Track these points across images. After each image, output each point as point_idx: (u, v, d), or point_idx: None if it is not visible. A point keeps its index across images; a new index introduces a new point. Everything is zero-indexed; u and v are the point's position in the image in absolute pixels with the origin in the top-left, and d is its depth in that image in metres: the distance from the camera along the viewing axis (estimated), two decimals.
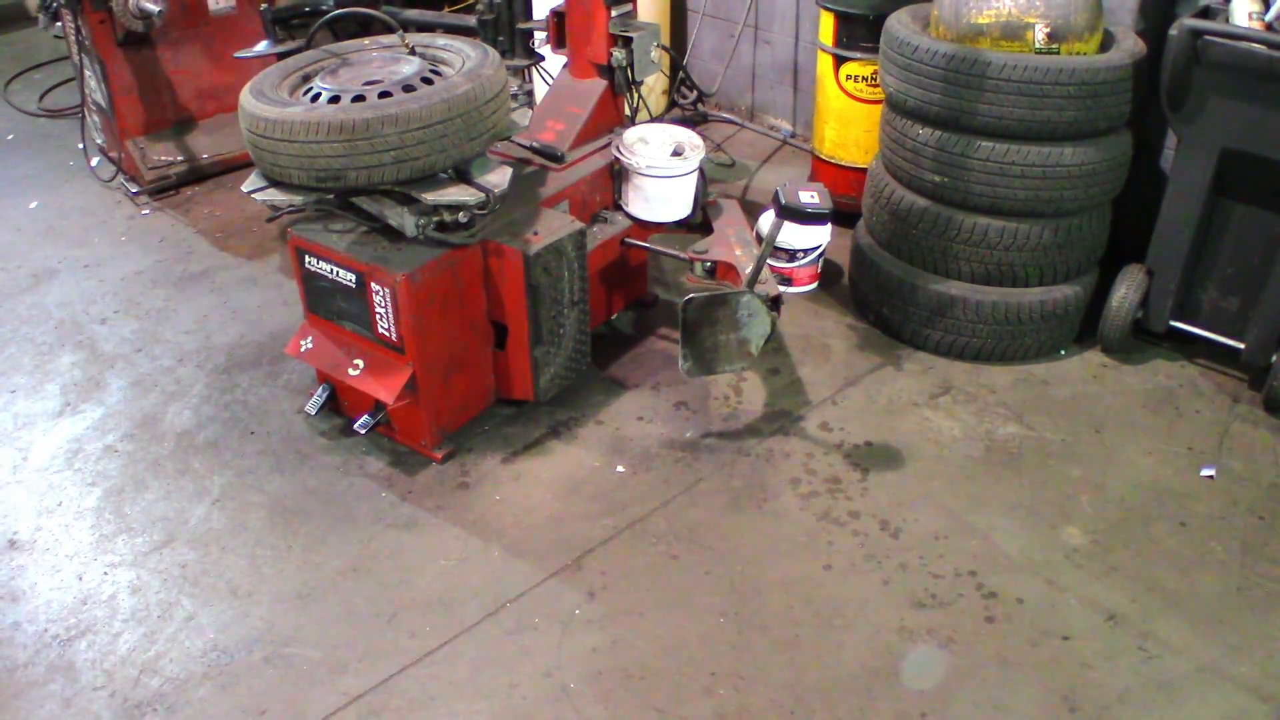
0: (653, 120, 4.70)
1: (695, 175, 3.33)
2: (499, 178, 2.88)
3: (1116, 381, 3.37)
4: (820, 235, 3.72)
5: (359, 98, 2.72)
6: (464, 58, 2.97)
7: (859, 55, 3.93)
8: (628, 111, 3.56)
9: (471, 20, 3.49)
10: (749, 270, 2.95)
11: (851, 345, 3.56)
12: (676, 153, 3.28)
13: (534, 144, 3.30)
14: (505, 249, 2.90)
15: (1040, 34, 3.08)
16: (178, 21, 4.45)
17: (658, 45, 3.37)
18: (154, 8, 4.17)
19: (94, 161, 4.77)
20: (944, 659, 2.48)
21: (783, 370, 3.44)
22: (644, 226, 3.41)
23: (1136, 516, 2.86)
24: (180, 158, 4.60)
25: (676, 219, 3.39)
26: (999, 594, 2.63)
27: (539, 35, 3.65)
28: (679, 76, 5.28)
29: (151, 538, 2.85)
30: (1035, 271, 3.30)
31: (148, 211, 4.50)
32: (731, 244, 3.24)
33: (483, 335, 3.08)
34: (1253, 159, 3.03)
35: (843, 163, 4.19)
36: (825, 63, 4.06)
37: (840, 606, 2.61)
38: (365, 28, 3.82)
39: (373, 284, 2.83)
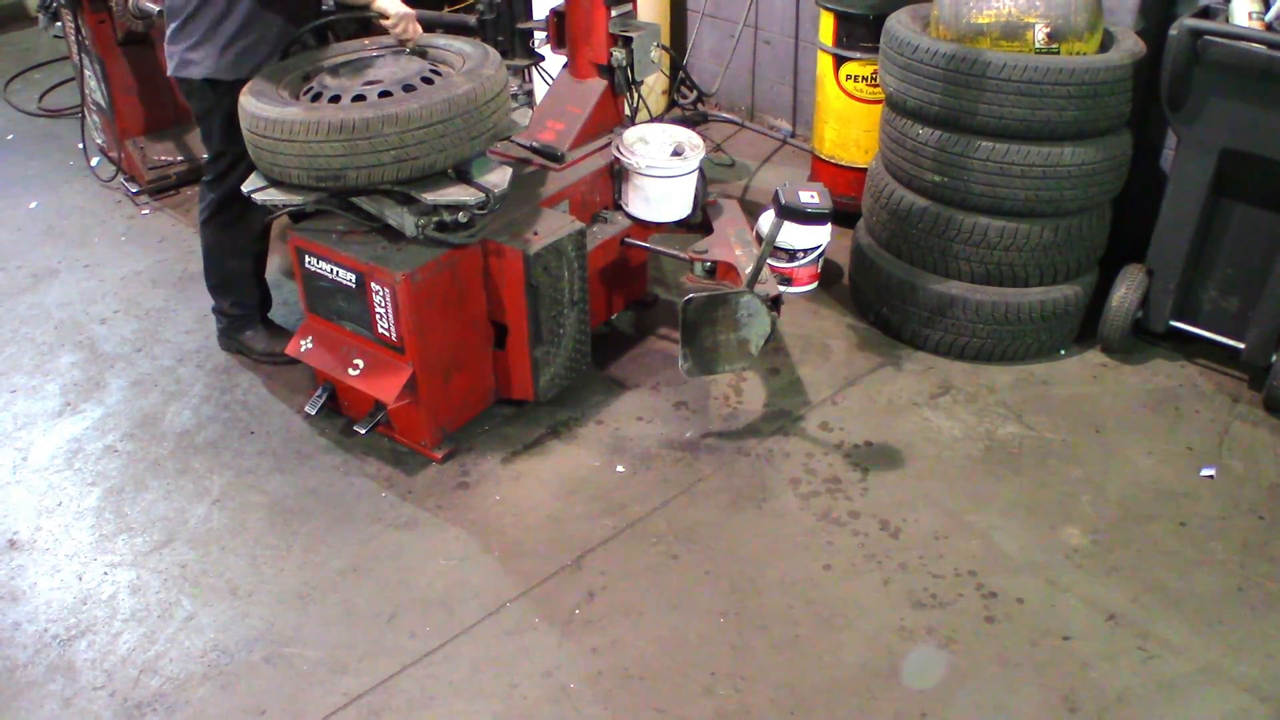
0: (653, 120, 4.70)
1: (695, 175, 3.33)
2: (499, 178, 2.88)
3: (1116, 381, 3.37)
4: (820, 235, 3.72)
5: (359, 97, 2.73)
6: (464, 57, 2.98)
7: (859, 55, 3.93)
8: (628, 111, 3.56)
9: (471, 20, 3.48)
10: (749, 270, 2.95)
11: (851, 345, 3.56)
12: (676, 153, 3.28)
13: (534, 144, 3.30)
14: (505, 249, 2.90)
15: (1040, 34, 3.08)
16: None
17: (658, 45, 3.37)
18: (154, 8, 4.16)
19: (94, 161, 4.77)
20: (944, 659, 2.48)
21: (783, 370, 3.44)
22: (644, 226, 3.41)
23: (1136, 516, 2.86)
24: (180, 158, 4.60)
25: (676, 219, 3.39)
26: (999, 594, 2.63)
27: (539, 35, 3.65)
28: (679, 76, 5.28)
29: (151, 538, 2.85)
30: (1035, 271, 3.30)
31: (148, 211, 4.51)
32: (731, 244, 3.24)
33: (483, 335, 3.08)
34: (1253, 159, 3.03)
35: (843, 163, 4.19)
36: (825, 63, 4.06)
37: (840, 606, 2.61)
38: (365, 28, 3.81)
39: (372, 284, 2.83)
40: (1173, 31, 3.00)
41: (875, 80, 3.83)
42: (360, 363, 2.97)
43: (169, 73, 3.10)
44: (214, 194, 3.25)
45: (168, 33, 3.05)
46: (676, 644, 2.52)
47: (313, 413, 3.19)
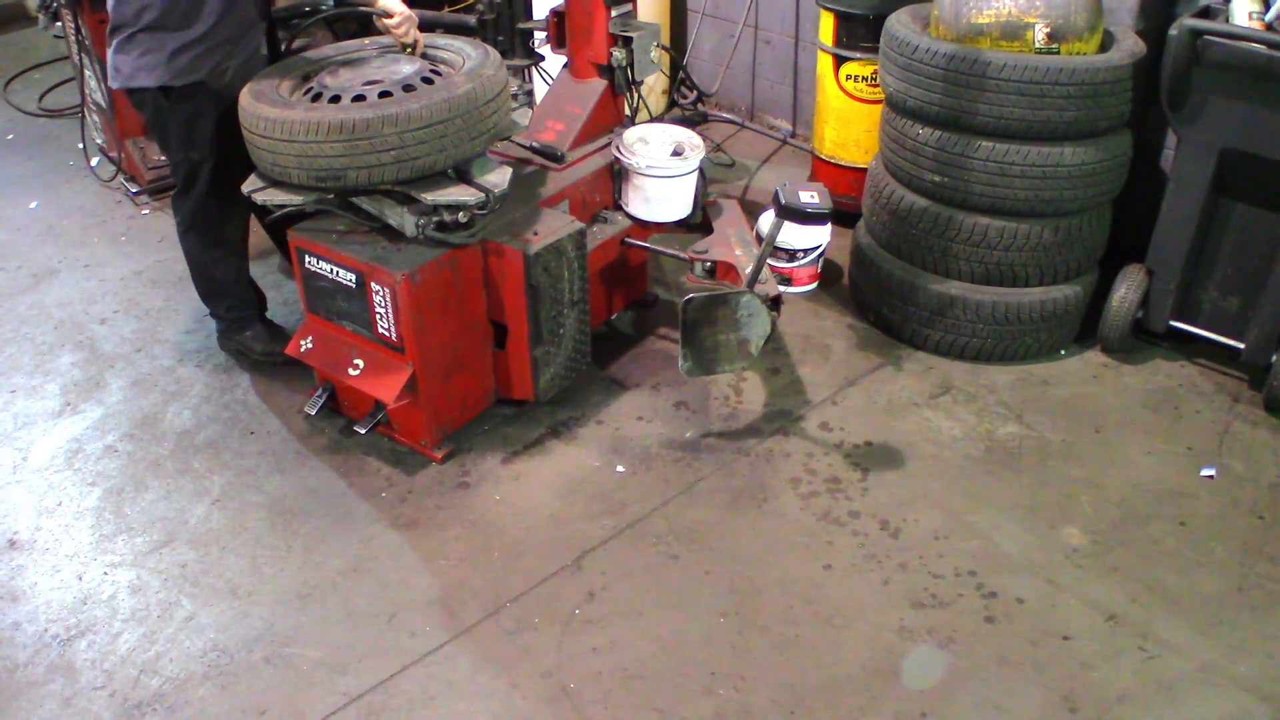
0: (653, 120, 4.70)
1: (695, 175, 3.33)
2: (499, 178, 2.88)
3: (1116, 381, 3.38)
4: (820, 235, 3.72)
5: (359, 97, 2.73)
6: (464, 57, 2.98)
7: (859, 55, 3.93)
8: (628, 111, 3.56)
9: (471, 20, 3.49)
10: (749, 270, 2.95)
11: (851, 345, 3.56)
12: (676, 153, 3.28)
13: (534, 144, 3.31)
14: (505, 249, 2.90)
15: (1040, 34, 3.08)
16: None
17: (658, 45, 3.37)
18: None
19: (94, 161, 4.78)
20: (944, 659, 2.48)
21: (783, 370, 3.44)
22: (644, 226, 3.41)
23: (1136, 516, 2.86)
24: None
25: (676, 219, 3.39)
26: (999, 594, 2.63)
27: (539, 35, 3.65)
28: (679, 76, 5.28)
29: (151, 538, 2.85)
30: (1035, 271, 3.30)
31: (148, 211, 4.51)
32: (731, 244, 3.24)
33: (483, 335, 3.08)
34: (1253, 159, 3.03)
35: (843, 163, 4.19)
36: (825, 63, 4.06)
37: (840, 606, 2.61)
38: (365, 28, 3.82)
39: (373, 284, 2.83)
40: (1173, 31, 2.99)
41: (875, 80, 3.83)
42: (360, 363, 2.97)
43: (115, 85, 3.01)
44: (187, 204, 3.21)
45: (115, 43, 2.96)
46: (676, 644, 2.52)
47: (313, 413, 3.19)
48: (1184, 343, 3.44)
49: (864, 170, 3.77)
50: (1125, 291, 3.36)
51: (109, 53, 3.00)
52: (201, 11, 2.88)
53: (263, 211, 2.99)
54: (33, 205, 4.59)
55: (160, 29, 2.89)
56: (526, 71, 3.91)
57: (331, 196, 2.83)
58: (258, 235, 4.19)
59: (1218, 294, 3.30)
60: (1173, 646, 2.49)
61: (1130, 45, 3.16)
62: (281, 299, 3.78)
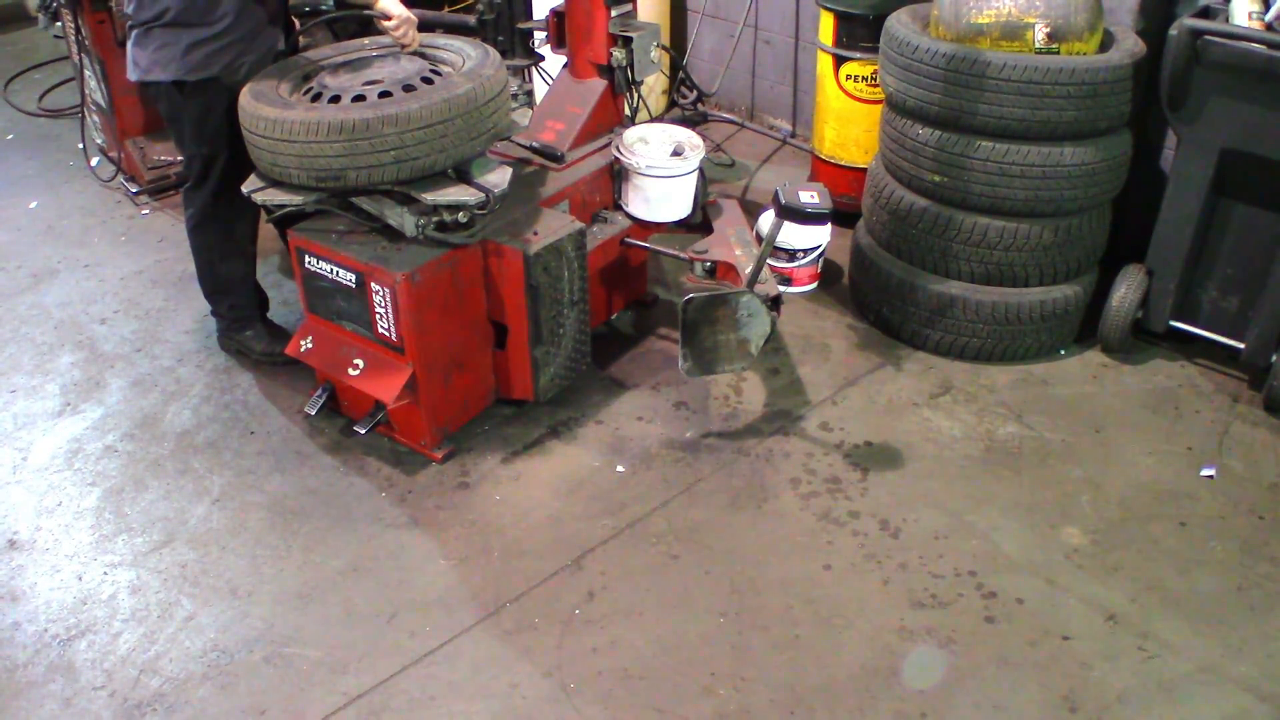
0: (653, 120, 4.70)
1: (695, 175, 3.33)
2: (499, 178, 2.88)
3: (1116, 381, 3.38)
4: (820, 235, 3.72)
5: (359, 97, 2.73)
6: (464, 57, 2.98)
7: (859, 55, 3.93)
8: (628, 111, 3.56)
9: (471, 20, 3.49)
10: (749, 270, 2.95)
11: (851, 345, 3.56)
12: (676, 153, 3.28)
13: (534, 144, 3.31)
14: (505, 249, 2.90)
15: (1040, 34, 3.08)
16: None
17: (658, 45, 3.37)
18: None
19: (94, 161, 4.78)
20: (944, 659, 2.48)
21: (783, 370, 3.44)
22: (644, 226, 3.41)
23: (1136, 516, 2.86)
24: (180, 158, 4.59)
25: (676, 219, 3.39)
26: (999, 594, 2.63)
27: (539, 35, 3.65)
28: (679, 76, 5.28)
29: (151, 538, 2.85)
30: (1035, 271, 3.30)
31: (148, 211, 4.51)
32: (731, 244, 3.24)
33: (483, 335, 3.08)
34: (1253, 159, 3.03)
35: (843, 163, 4.19)
36: (825, 63, 4.06)
37: (840, 606, 2.61)
38: (365, 28, 3.82)
39: (372, 284, 2.83)
40: (1173, 31, 2.99)
41: (875, 80, 3.83)
42: (360, 363, 2.97)
43: (134, 78, 3.05)
44: (199, 199, 3.23)
45: (133, 36, 3.01)
46: (676, 644, 2.52)
47: (313, 413, 3.19)
48: (1184, 343, 3.44)
49: (864, 170, 3.77)
50: (1125, 291, 3.36)
51: (128, 45, 3.06)
52: (218, 9, 2.91)
53: (265, 210, 3.00)
54: (33, 205, 4.59)
55: (178, 25, 2.93)
56: (526, 71, 3.91)
57: (331, 196, 2.83)
58: (263, 235, 4.20)
59: (1218, 294, 3.30)
60: (1172, 646, 2.50)
61: (1130, 45, 3.16)
62: (281, 299, 3.78)
